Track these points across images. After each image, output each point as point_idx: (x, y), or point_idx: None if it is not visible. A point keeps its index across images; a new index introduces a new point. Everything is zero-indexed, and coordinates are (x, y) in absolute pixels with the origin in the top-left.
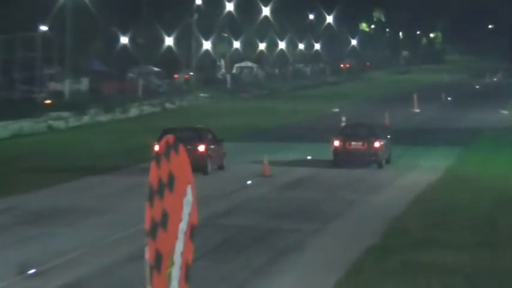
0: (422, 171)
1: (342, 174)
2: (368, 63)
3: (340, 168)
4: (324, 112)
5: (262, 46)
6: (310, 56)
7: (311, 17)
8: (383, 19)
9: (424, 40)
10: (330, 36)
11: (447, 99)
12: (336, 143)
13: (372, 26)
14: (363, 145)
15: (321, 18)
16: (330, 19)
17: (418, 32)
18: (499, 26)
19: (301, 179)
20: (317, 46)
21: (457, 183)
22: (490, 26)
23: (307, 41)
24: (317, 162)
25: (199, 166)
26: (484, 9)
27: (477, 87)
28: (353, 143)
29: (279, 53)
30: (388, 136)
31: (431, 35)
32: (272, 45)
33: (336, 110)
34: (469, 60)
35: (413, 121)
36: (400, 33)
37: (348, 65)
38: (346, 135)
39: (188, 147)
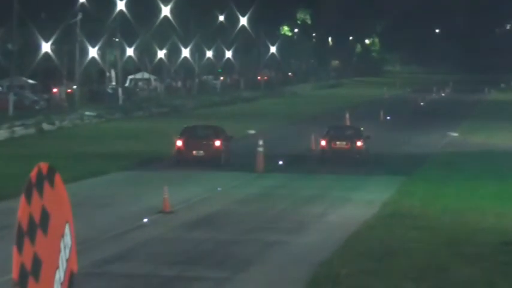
0: (356, 205)
1: (259, 209)
2: (290, 75)
3: (257, 203)
4: (238, 134)
5: (161, 54)
6: (220, 66)
7: (221, 18)
8: (309, 21)
9: (359, 47)
10: (244, 42)
11: (386, 118)
12: (323, 142)
13: (296, 30)
14: (346, 144)
15: (233, 20)
16: (244, 21)
17: (351, 38)
18: (448, 30)
19: (208, 216)
20: (229, 54)
21: (399, 220)
22: (437, 31)
23: (217, 48)
24: (228, 194)
25: (215, 159)
26: (430, 10)
27: (422, 104)
28: (338, 142)
29: (182, 63)
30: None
31: (367, 41)
32: (174, 53)
33: (252, 132)
34: (412, 71)
35: None
36: (330, 39)
37: (266, 77)
38: (332, 135)
39: (205, 142)
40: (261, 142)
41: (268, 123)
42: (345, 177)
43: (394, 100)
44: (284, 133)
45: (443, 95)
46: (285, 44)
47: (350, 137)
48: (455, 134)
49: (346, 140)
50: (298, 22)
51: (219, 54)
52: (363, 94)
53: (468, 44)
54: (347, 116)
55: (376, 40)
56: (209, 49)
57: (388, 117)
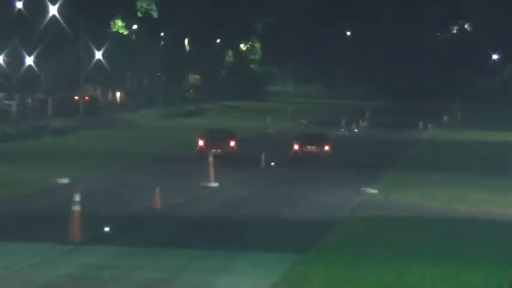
0: None
1: None
2: (121, 95)
3: None
4: (45, 185)
5: None
6: (18, 80)
7: (20, 5)
8: (154, 14)
9: (230, 55)
10: (54, 43)
11: (270, 165)
12: (296, 146)
13: (135, 26)
14: (316, 148)
15: (38, 11)
16: (54, 10)
17: (218, 41)
18: (365, 34)
19: None
20: (30, 61)
21: None
22: (348, 34)
23: (13, 51)
24: (24, 278)
25: (231, 156)
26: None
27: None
28: (308, 146)
29: None
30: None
31: (243, 47)
32: None
33: (64, 181)
34: (311, 93)
35: (207, 205)
36: (186, 42)
37: (87, 97)
38: (303, 141)
39: (223, 142)
40: (77, 197)
41: (90, 167)
42: (206, 252)
43: (282, 137)
44: (114, 183)
45: (356, 130)
46: (118, 46)
47: (319, 141)
48: (374, 191)
49: (316, 144)
50: (139, 14)
51: (16, 60)
52: (236, 127)
53: (395, 53)
54: (210, 161)
55: (257, 45)
56: None
57: (273, 164)
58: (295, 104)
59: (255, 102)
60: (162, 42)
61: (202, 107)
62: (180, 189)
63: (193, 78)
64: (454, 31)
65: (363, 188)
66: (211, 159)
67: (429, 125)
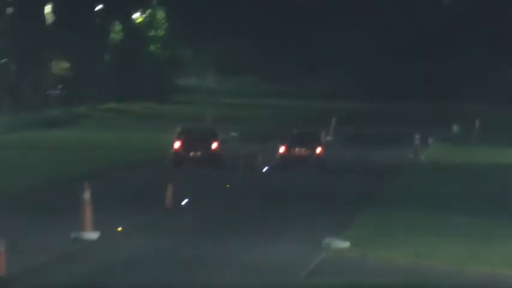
0: None
1: None
2: None
3: None
4: None
5: None
6: None
7: None
8: None
9: (117, 30)
10: None
11: (181, 203)
12: (282, 149)
13: None
14: (306, 151)
15: None
16: None
17: (98, 8)
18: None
19: None
20: None
21: None
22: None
23: None
24: None
25: (213, 161)
26: None
27: (265, 169)
28: (297, 149)
29: None
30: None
31: (138, 17)
32: None
33: None
34: (244, 89)
35: (70, 270)
36: (48, 9)
37: None
38: (291, 142)
39: (203, 143)
40: None
41: None
42: None
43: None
44: None
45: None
46: None
47: (310, 143)
48: (344, 244)
49: (306, 146)
50: None
51: None
52: (125, 144)
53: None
54: (86, 198)
55: (160, 15)
56: None
57: (186, 200)
58: (221, 106)
59: (157, 105)
60: (9, 10)
61: (74, 113)
62: (41, 243)
63: (60, 67)
64: None
65: (327, 240)
66: (87, 195)
67: (430, 139)
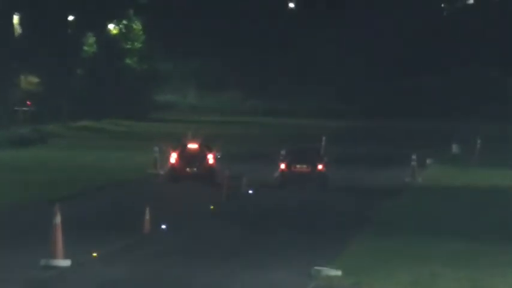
0: None
1: None
2: None
3: None
4: None
5: None
6: None
7: None
8: None
9: (91, 42)
10: None
11: (160, 228)
12: (282, 166)
13: None
14: (307, 167)
15: None
16: None
17: (71, 18)
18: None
19: None
20: None
21: None
22: (291, 5)
23: None
24: None
25: (212, 177)
26: None
27: (250, 192)
28: (298, 165)
29: None
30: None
31: (113, 28)
32: None
33: None
34: (228, 106)
35: None
36: (16, 19)
37: None
38: (292, 158)
39: (200, 158)
40: None
41: None
42: None
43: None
44: None
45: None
46: None
47: (311, 159)
48: (335, 272)
49: (307, 163)
50: None
51: None
52: (100, 165)
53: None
54: (57, 222)
55: (137, 26)
56: None
57: (164, 227)
58: (202, 124)
59: (134, 122)
60: None
61: (44, 131)
62: (6, 270)
63: (28, 81)
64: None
65: (317, 268)
66: (58, 219)
67: (428, 160)
